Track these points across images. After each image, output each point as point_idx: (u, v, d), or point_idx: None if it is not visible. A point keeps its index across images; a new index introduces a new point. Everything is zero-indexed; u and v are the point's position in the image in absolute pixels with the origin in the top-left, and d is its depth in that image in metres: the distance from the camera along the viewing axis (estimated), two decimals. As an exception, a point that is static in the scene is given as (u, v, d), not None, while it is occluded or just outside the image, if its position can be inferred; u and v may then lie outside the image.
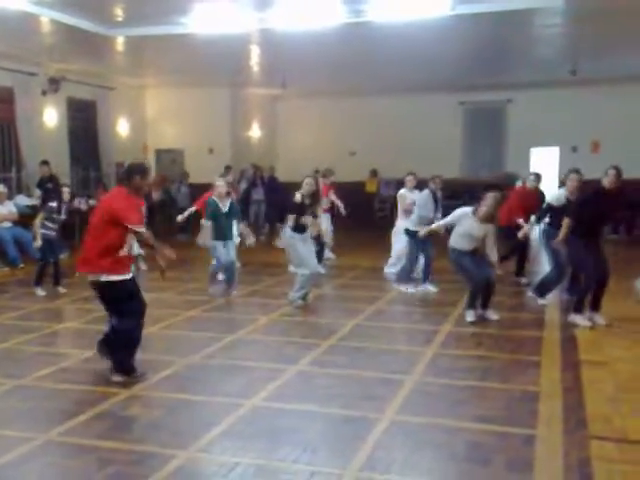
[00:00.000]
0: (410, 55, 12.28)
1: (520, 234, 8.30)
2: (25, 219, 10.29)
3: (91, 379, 5.19)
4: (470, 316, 6.88)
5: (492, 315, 6.97)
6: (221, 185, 8.37)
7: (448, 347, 6.05)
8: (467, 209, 6.92)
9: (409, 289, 8.52)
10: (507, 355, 5.80)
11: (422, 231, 7.69)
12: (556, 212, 7.37)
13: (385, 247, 10.11)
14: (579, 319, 6.68)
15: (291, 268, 8.92)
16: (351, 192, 17.47)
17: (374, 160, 17.96)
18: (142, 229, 5.01)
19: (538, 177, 9.30)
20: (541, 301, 7.71)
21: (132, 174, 5.04)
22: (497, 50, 12.40)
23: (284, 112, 19.22)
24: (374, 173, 18.31)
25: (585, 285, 6.80)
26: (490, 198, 6.72)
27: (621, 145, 15.64)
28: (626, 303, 7.58)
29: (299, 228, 7.56)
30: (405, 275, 8.69)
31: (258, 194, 15.64)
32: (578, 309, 6.74)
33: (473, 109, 17.73)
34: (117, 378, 5.06)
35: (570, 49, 12.49)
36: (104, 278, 4.99)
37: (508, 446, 3.89)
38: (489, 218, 6.76)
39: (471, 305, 6.96)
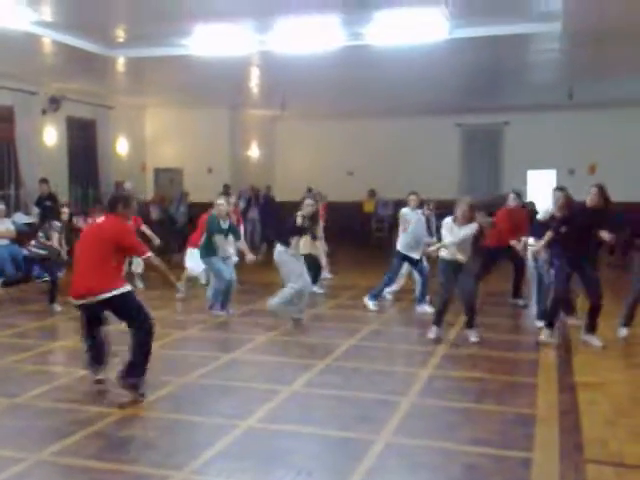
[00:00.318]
0: (408, 78, 12.38)
1: (520, 249, 8.27)
2: (22, 237, 10.29)
3: (86, 398, 5.15)
4: (431, 333, 6.96)
5: (471, 337, 6.94)
6: (221, 204, 8.35)
7: (444, 368, 6.04)
8: (448, 219, 6.96)
9: (372, 306, 8.62)
10: (503, 377, 5.79)
11: (432, 248, 7.61)
12: (542, 228, 7.49)
13: (383, 267, 10.10)
14: (546, 335, 6.81)
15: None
16: (349, 212, 17.62)
17: (372, 180, 18.05)
18: (154, 258, 5.27)
19: (519, 195, 9.18)
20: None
21: (115, 204, 5.23)
22: (494, 73, 12.52)
23: (283, 133, 19.34)
24: (372, 193, 18.38)
25: (552, 298, 6.96)
26: (461, 202, 6.83)
27: (617, 168, 15.74)
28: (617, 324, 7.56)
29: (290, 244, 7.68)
30: (377, 292, 8.77)
31: (253, 213, 15.72)
32: (547, 324, 6.87)
33: (470, 131, 17.87)
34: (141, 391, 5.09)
35: (567, 73, 12.60)
36: (117, 292, 5.07)
37: (504, 469, 3.87)
38: (466, 218, 6.76)
39: (435, 321, 7.03)
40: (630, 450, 4.16)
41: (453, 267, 6.90)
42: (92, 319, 5.34)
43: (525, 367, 6.17)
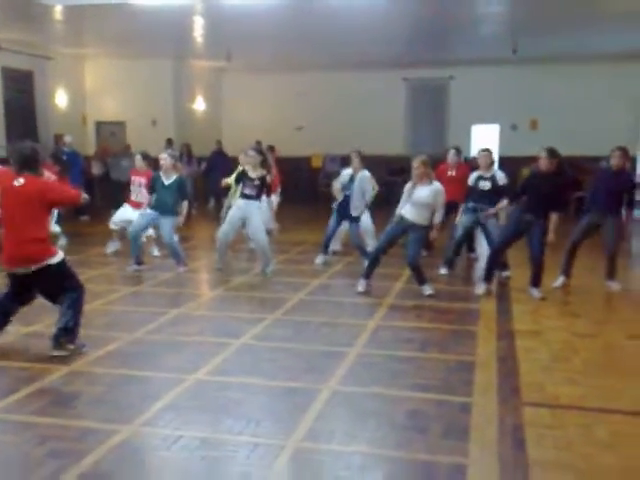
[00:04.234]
0: (354, 31, 12.26)
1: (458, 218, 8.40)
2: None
3: (30, 356, 5.08)
4: (360, 286, 7.18)
5: (426, 291, 7.08)
6: (163, 158, 8.26)
7: (389, 319, 6.18)
8: (409, 183, 7.02)
9: (318, 261, 8.80)
10: (445, 326, 5.97)
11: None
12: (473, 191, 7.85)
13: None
14: (481, 287, 7.13)
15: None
16: (296, 167, 17.53)
17: (320, 135, 17.95)
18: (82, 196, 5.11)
19: (458, 151, 9.28)
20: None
21: (27, 162, 4.91)
22: (440, 27, 12.48)
23: (229, 86, 18.97)
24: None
25: (490, 253, 7.32)
26: (414, 162, 6.88)
27: (558, 123, 16.08)
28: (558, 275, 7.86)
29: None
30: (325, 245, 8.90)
31: (186, 171, 15.50)
32: (485, 278, 7.17)
33: (416, 85, 17.86)
34: (68, 348, 5.04)
35: (512, 27, 12.69)
36: (55, 260, 4.97)
37: (445, 414, 4.02)
38: (421, 176, 6.82)
39: (364, 274, 7.23)
40: (565, 392, 4.37)
41: (404, 227, 6.94)
42: (21, 292, 5.13)
43: (467, 316, 6.37)
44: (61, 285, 5.07)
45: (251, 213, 7.90)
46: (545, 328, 5.90)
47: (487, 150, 8.07)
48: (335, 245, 9.43)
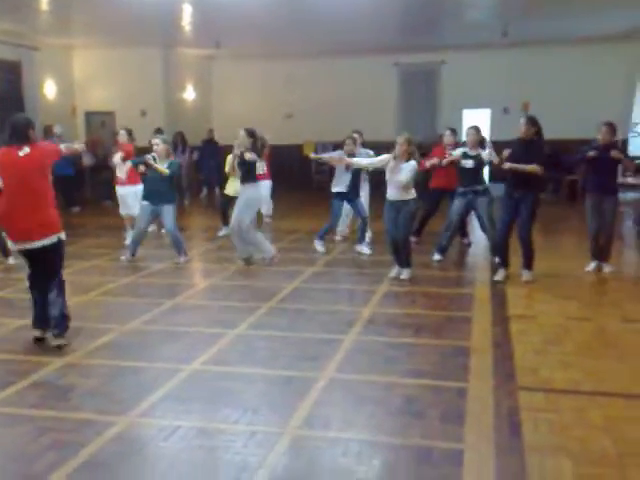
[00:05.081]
0: (345, 16, 12.17)
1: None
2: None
3: (24, 349, 5.08)
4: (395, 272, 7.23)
5: (402, 274, 7.12)
6: (156, 143, 8.14)
7: (384, 306, 6.19)
8: (389, 155, 7.01)
9: (320, 248, 8.75)
10: (440, 312, 5.99)
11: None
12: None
13: (324, 210, 10.16)
14: (500, 273, 7.10)
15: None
16: (288, 155, 17.48)
17: (311, 123, 17.88)
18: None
19: (454, 131, 9.21)
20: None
21: (26, 132, 4.94)
22: (430, 11, 12.44)
23: (219, 74, 18.84)
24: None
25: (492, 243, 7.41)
26: (399, 138, 6.89)
27: (550, 106, 16.05)
28: (552, 259, 7.90)
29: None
30: (322, 233, 8.86)
31: (180, 159, 15.43)
32: (502, 263, 7.13)
33: (408, 71, 17.80)
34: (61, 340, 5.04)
35: (502, 10, 12.66)
36: (63, 236, 5.01)
37: (441, 399, 4.04)
38: (403, 154, 6.83)
39: (396, 262, 7.20)
40: (559, 376, 4.40)
41: (395, 207, 6.97)
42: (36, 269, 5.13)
43: (461, 302, 6.38)
44: (58, 265, 5.07)
45: (240, 197, 7.93)
46: (539, 312, 5.92)
47: (474, 127, 7.89)
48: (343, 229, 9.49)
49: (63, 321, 5.04)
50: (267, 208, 11.11)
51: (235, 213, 7.88)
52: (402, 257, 7.11)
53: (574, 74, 16.13)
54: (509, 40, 14.31)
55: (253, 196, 7.92)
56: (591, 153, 7.02)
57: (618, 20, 13.24)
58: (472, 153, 7.68)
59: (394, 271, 7.22)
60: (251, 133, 7.87)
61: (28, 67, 14.55)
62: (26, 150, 4.87)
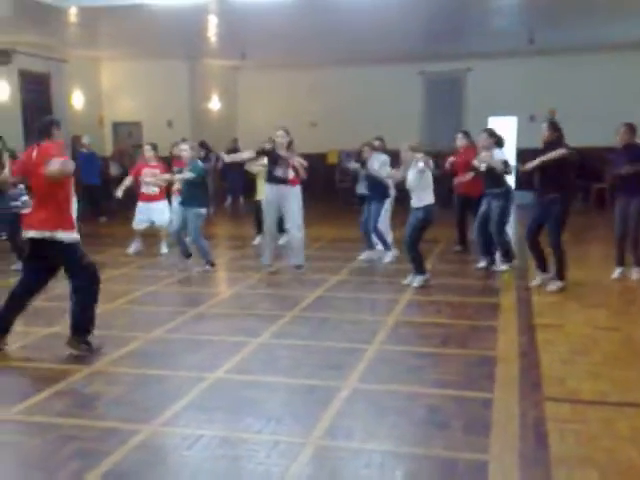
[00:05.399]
0: (369, 25, 12.20)
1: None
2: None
3: (50, 357, 5.13)
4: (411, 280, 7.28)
5: (414, 282, 7.12)
6: (184, 149, 8.23)
7: (409, 315, 6.16)
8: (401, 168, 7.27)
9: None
10: (465, 321, 5.93)
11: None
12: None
13: (348, 218, 10.15)
14: (538, 278, 7.07)
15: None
16: (312, 164, 17.44)
17: (335, 131, 17.89)
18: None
19: (466, 134, 9.13)
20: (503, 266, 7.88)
21: (49, 128, 5.07)
22: (456, 19, 12.40)
23: (244, 84, 18.99)
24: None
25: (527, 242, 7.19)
26: (403, 145, 7.08)
27: (577, 114, 15.87)
28: (580, 267, 7.78)
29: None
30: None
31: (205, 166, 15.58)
32: (540, 267, 7.08)
33: (433, 79, 17.75)
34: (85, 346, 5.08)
35: (528, 18, 12.57)
36: (67, 239, 5.01)
37: (466, 410, 4.00)
38: (406, 159, 6.98)
39: (415, 269, 7.24)
40: (586, 387, 4.32)
41: (412, 214, 7.11)
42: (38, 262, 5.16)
43: (487, 311, 6.32)
44: (69, 266, 5.09)
45: (285, 198, 7.88)
46: (566, 321, 5.83)
47: (485, 130, 7.85)
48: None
49: (75, 330, 5.08)
50: None
51: (293, 216, 7.89)
52: (413, 264, 7.14)
53: (601, 82, 15.94)
54: (536, 47, 14.20)
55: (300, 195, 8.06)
56: (622, 171, 6.97)
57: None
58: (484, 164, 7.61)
59: (408, 278, 7.24)
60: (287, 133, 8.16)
61: (57, 79, 14.83)
62: (35, 151, 5.02)
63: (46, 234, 4.97)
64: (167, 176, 8.88)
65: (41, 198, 5.01)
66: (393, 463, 3.40)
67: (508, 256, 7.84)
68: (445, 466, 3.33)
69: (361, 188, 8.82)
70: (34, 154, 5.00)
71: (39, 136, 5.08)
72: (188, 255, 8.42)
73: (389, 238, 8.74)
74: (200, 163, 8.48)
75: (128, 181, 9.45)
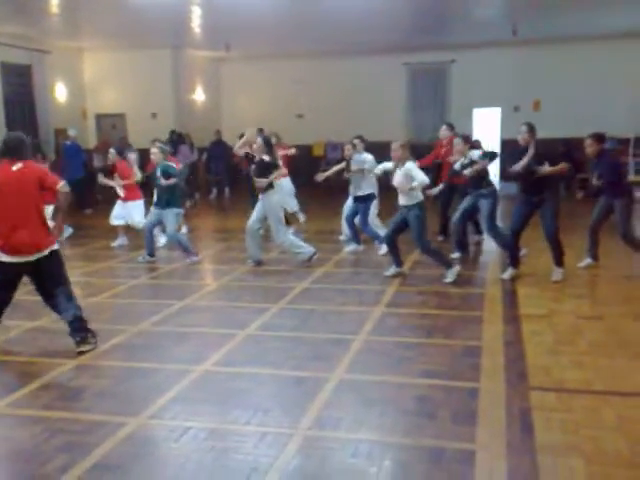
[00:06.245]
0: (354, 17, 12.19)
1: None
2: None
3: (35, 351, 5.11)
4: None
5: (448, 276, 7.05)
6: (154, 152, 8.36)
7: (395, 306, 6.17)
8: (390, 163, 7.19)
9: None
10: (451, 312, 5.96)
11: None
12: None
13: (333, 210, 10.15)
14: (508, 272, 7.09)
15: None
16: (298, 155, 17.44)
17: (321, 123, 17.88)
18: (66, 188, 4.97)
19: (450, 126, 9.14)
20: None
21: (21, 149, 4.96)
22: (439, 9, 12.42)
23: (229, 75, 18.90)
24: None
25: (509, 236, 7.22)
26: (394, 144, 7.00)
27: (561, 104, 16.00)
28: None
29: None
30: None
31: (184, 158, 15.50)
32: (512, 263, 7.12)
33: (417, 70, 17.76)
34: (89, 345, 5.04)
35: (511, 8, 12.61)
36: (56, 246, 4.98)
37: (453, 399, 4.02)
38: (398, 158, 6.95)
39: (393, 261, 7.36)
40: (571, 376, 4.37)
41: (401, 212, 7.08)
42: (12, 281, 5.08)
43: (472, 301, 6.36)
44: (58, 274, 5.04)
45: (264, 206, 7.95)
46: (551, 311, 5.88)
47: (460, 137, 7.85)
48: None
49: (81, 325, 5.04)
50: (294, 204, 11.09)
51: (272, 228, 7.95)
52: (435, 260, 7.19)
53: (586, 71, 16.05)
54: (519, 38, 14.26)
55: (277, 201, 8.01)
56: (595, 182, 7.12)
57: (629, 17, 13.15)
58: (465, 161, 7.60)
59: (390, 269, 7.35)
60: (267, 142, 7.99)
61: (39, 70, 14.65)
62: (19, 165, 4.88)
63: (46, 252, 4.93)
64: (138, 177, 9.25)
65: (28, 215, 4.86)
66: (381, 453, 3.42)
67: (513, 261, 7.68)
68: (433, 455, 3.36)
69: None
70: (14, 169, 4.85)
71: (10, 154, 4.91)
72: (152, 255, 8.46)
73: (381, 231, 8.73)
74: (170, 164, 8.49)
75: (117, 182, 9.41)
